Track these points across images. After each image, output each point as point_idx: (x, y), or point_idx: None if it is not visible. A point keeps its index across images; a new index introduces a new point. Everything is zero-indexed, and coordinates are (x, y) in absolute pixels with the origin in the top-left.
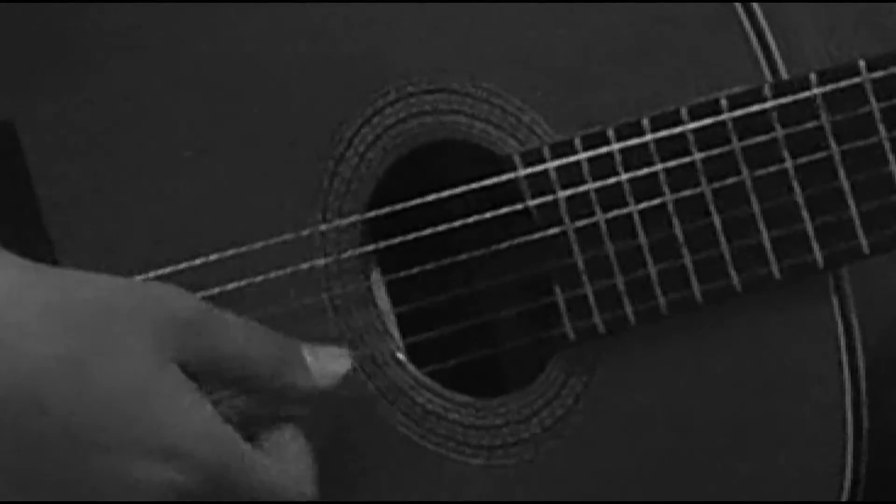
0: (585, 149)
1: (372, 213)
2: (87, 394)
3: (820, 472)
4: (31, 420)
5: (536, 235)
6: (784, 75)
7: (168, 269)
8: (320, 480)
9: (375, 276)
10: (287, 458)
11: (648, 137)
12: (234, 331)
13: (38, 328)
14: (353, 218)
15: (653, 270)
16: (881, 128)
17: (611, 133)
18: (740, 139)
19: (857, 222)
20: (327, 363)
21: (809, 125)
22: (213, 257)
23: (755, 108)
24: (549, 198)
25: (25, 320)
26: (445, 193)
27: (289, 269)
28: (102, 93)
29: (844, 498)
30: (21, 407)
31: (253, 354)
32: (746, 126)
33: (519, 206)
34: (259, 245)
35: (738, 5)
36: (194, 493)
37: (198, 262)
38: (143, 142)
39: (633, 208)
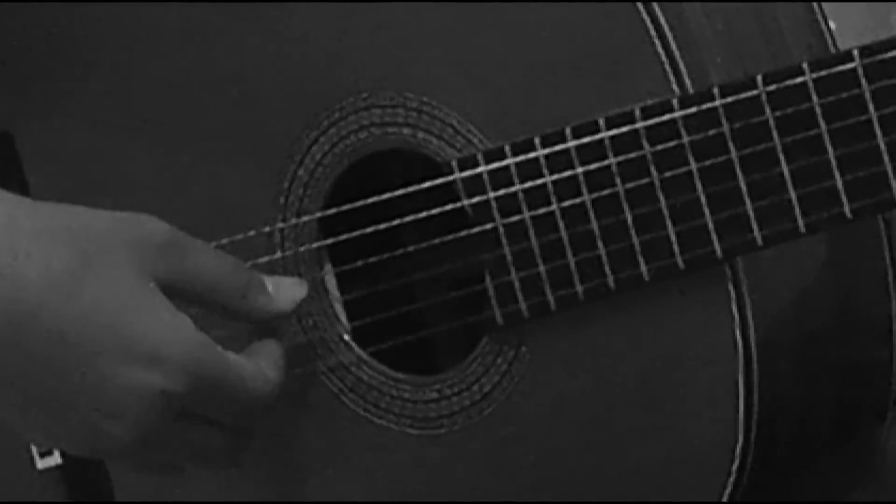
0: (514, 155)
1: (326, 213)
2: (77, 306)
3: (716, 438)
4: (28, 334)
5: (470, 231)
6: (690, 89)
7: None
8: (275, 450)
9: (327, 267)
10: (261, 359)
11: (570, 144)
12: (205, 254)
13: (32, 250)
14: (309, 217)
15: (571, 261)
16: (775, 134)
17: (537, 141)
18: (651, 145)
19: (753, 217)
20: (287, 289)
21: (712, 132)
22: None
23: (665, 117)
24: (482, 198)
25: (19, 243)
26: (391, 195)
27: (253, 262)
28: (94, 104)
29: (737, 457)
30: (18, 322)
31: (222, 275)
32: (656, 133)
33: (455, 206)
34: (226, 240)
35: (648, 23)
36: (181, 397)
37: None
38: (133, 151)
39: (555, 207)
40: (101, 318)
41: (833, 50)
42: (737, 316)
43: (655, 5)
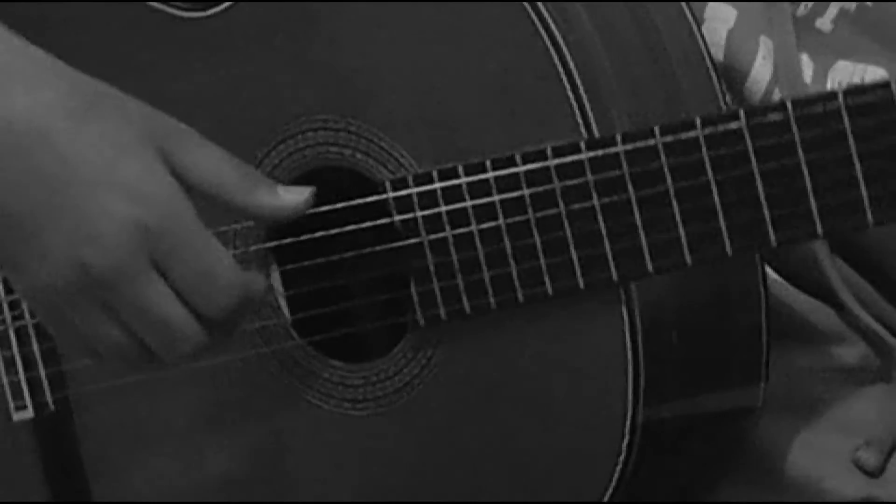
0: (441, 180)
1: None
2: (84, 136)
3: (606, 426)
4: (35, 148)
5: (399, 243)
6: (595, 133)
7: None
8: (223, 428)
9: (273, 265)
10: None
11: (490, 175)
12: (212, 149)
13: (53, 79)
14: None
15: (486, 276)
16: (668, 178)
17: (460, 169)
18: (560, 180)
19: (646, 250)
20: (295, 192)
21: (613, 174)
22: None
23: (573, 157)
24: (410, 215)
25: (41, 72)
26: (331, 207)
27: None
28: None
29: (625, 439)
30: (32, 138)
31: (230, 168)
32: (564, 171)
33: (387, 221)
34: None
35: (562, 73)
36: (154, 238)
37: None
38: None
39: (474, 228)
40: (98, 152)
41: (718, 87)
42: (626, 316)
43: (566, 52)
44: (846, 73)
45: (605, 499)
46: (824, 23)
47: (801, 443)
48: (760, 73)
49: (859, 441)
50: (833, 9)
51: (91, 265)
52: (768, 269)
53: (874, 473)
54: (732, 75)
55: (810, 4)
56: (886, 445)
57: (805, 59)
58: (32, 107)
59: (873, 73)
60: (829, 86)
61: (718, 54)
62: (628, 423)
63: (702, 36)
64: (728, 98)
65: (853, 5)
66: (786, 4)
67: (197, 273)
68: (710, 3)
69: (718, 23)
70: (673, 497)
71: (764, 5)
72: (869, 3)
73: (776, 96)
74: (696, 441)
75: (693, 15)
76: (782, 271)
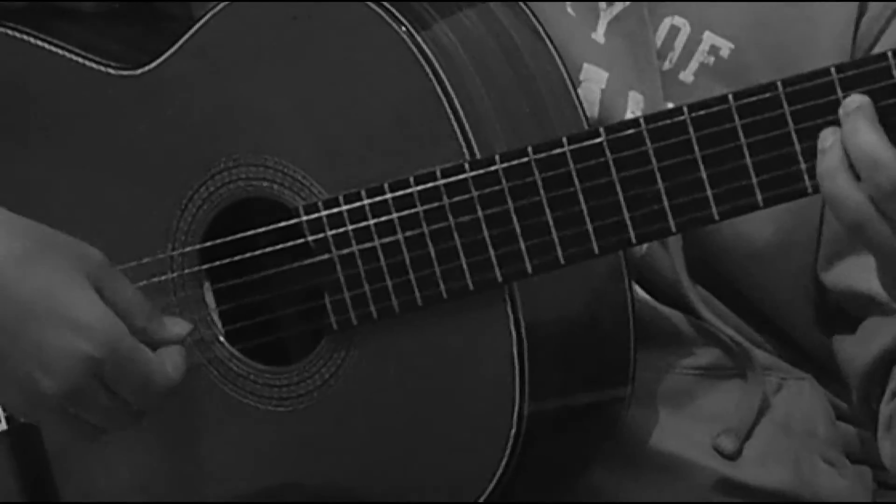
0: (346, 203)
1: (205, 244)
2: (30, 281)
3: (496, 417)
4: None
5: (313, 260)
6: (477, 155)
7: None
8: (169, 422)
9: (206, 285)
10: (165, 357)
11: (388, 196)
12: (125, 282)
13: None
14: (192, 247)
15: (389, 284)
16: (541, 189)
17: (363, 193)
18: (448, 197)
19: (525, 252)
20: (174, 324)
21: (494, 188)
22: None
23: (458, 177)
24: (321, 235)
25: None
26: (254, 231)
27: (148, 281)
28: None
29: (513, 428)
30: None
31: (135, 300)
32: (452, 189)
33: (301, 241)
34: (132, 264)
35: (445, 104)
36: (99, 363)
37: None
38: (59, 188)
39: (377, 243)
40: (47, 293)
41: (581, 111)
42: (513, 328)
43: (450, 89)
44: None
45: (495, 480)
46: (687, 75)
47: (668, 430)
48: None
49: (718, 429)
50: (694, 63)
51: (47, 391)
52: (638, 289)
53: (732, 457)
54: None
55: (675, 59)
56: (742, 432)
57: (670, 107)
58: None
59: None
60: None
61: (593, 111)
62: (515, 414)
63: (565, 66)
64: (587, 116)
65: (711, 59)
66: (654, 60)
67: (136, 383)
68: (585, 66)
69: (593, 84)
70: (554, 476)
71: (634, 63)
72: (725, 57)
73: None
74: (573, 429)
75: (556, 48)
76: (652, 292)
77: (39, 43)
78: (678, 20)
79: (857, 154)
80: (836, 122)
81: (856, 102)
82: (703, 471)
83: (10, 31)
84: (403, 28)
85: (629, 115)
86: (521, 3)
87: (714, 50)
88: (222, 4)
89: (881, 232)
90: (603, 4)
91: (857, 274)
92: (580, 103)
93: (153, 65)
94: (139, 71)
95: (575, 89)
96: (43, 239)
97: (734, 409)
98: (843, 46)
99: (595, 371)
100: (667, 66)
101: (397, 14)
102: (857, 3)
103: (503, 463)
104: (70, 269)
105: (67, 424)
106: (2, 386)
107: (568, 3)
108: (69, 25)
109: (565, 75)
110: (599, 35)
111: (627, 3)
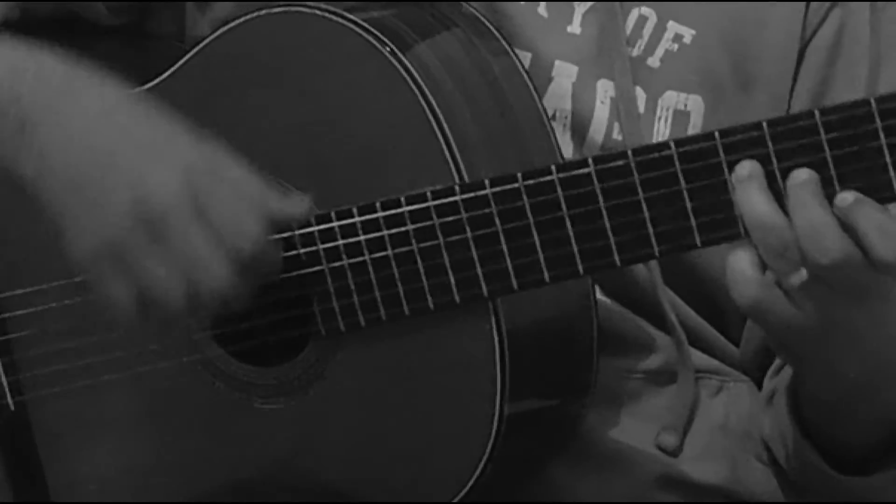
0: (338, 219)
1: None
2: (148, 121)
3: (479, 418)
4: (104, 127)
5: (304, 271)
6: (465, 178)
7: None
8: (159, 421)
9: None
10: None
11: (379, 214)
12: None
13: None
14: None
15: (378, 295)
16: (529, 213)
17: (355, 210)
18: (438, 217)
19: (511, 270)
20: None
21: (483, 211)
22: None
23: (448, 199)
24: (314, 248)
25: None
26: None
27: None
28: None
29: (494, 427)
30: (103, 113)
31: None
32: (443, 210)
33: (294, 253)
34: None
35: (436, 130)
36: (194, 172)
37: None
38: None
39: (367, 257)
40: (158, 126)
41: (552, 137)
42: (494, 327)
43: (437, 109)
44: (672, 101)
45: (474, 478)
46: (654, 61)
47: (617, 429)
48: (600, 113)
49: (659, 428)
50: (660, 49)
51: (146, 199)
52: (599, 293)
53: (674, 453)
54: (580, 118)
55: (643, 46)
56: (679, 431)
57: (639, 90)
58: (101, 96)
59: (694, 101)
60: (658, 111)
61: (566, 104)
62: (496, 415)
63: (540, 99)
64: (559, 143)
65: (675, 46)
66: (625, 48)
67: (231, 212)
68: (557, 62)
69: (564, 78)
70: (518, 473)
71: (605, 51)
72: (688, 44)
73: (615, 129)
74: (541, 427)
75: (532, 82)
76: (619, 296)
77: None
78: (645, 10)
79: (749, 220)
80: None
81: (746, 170)
82: (647, 466)
83: None
84: (388, 49)
85: (598, 104)
86: (494, 30)
87: (678, 38)
88: (218, 32)
89: (776, 304)
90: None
91: None
92: (552, 130)
93: (151, 84)
94: (136, 90)
95: (544, 109)
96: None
97: (670, 407)
98: (791, 33)
99: (563, 376)
100: (636, 52)
101: (383, 37)
102: None
103: (483, 461)
104: (188, 133)
105: (153, 263)
106: (98, 215)
107: (541, 3)
108: (70, 48)
109: (539, 105)
110: (576, 27)
111: None
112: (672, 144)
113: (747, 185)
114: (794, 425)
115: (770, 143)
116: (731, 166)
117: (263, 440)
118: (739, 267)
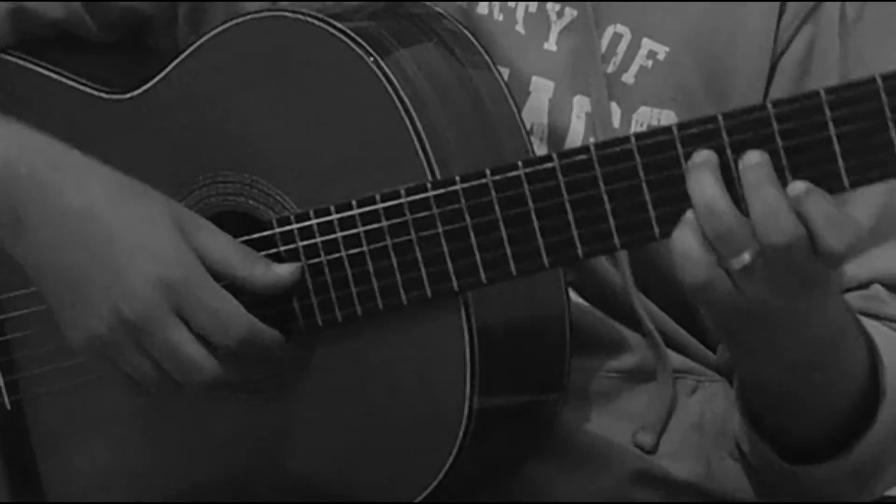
0: (317, 217)
1: None
2: (124, 215)
3: (449, 411)
4: (87, 226)
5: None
6: (438, 175)
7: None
8: (149, 418)
9: None
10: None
11: (355, 211)
12: (220, 234)
13: (97, 175)
14: None
15: (354, 291)
16: (497, 208)
17: (332, 209)
18: (411, 213)
19: (480, 264)
20: (281, 267)
21: (453, 206)
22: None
23: (420, 195)
24: (293, 245)
25: (88, 170)
26: None
27: None
28: None
29: (464, 422)
30: (83, 218)
31: (232, 250)
32: (414, 206)
33: (274, 251)
34: None
35: (413, 136)
36: (175, 289)
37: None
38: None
39: (343, 254)
40: (134, 228)
41: (527, 141)
42: (466, 330)
43: (413, 114)
44: (646, 116)
45: (444, 472)
46: (629, 77)
47: (594, 427)
48: (576, 128)
49: (638, 426)
50: (635, 66)
51: (126, 313)
52: (574, 295)
53: (652, 451)
54: (556, 133)
55: (618, 63)
56: (656, 429)
57: (614, 106)
58: (85, 195)
59: (667, 116)
60: (632, 126)
61: (543, 118)
62: (466, 409)
63: (517, 106)
64: (534, 150)
65: (650, 62)
66: (599, 64)
67: (210, 314)
68: (534, 78)
69: (541, 93)
70: (492, 473)
71: (581, 68)
72: (661, 59)
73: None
74: (514, 423)
75: (510, 91)
76: (592, 298)
77: (38, 69)
78: (620, 28)
79: (697, 202)
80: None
81: (700, 157)
82: (624, 463)
83: (11, 59)
84: (371, 58)
85: (574, 119)
86: (476, 44)
87: (651, 54)
88: (204, 38)
89: (722, 285)
90: (553, 17)
91: None
92: (525, 130)
93: (141, 90)
94: (128, 95)
95: (522, 119)
96: (139, 187)
97: (647, 405)
98: (763, 48)
99: (535, 373)
100: (611, 69)
101: (366, 45)
102: (777, 4)
103: (454, 454)
104: (159, 213)
105: (139, 362)
106: (84, 312)
107: (519, 20)
108: (66, 56)
109: (513, 107)
110: (552, 44)
111: (576, 13)
112: (632, 138)
113: (699, 170)
114: (743, 416)
115: (725, 135)
116: (689, 158)
117: (245, 436)
118: (687, 246)
